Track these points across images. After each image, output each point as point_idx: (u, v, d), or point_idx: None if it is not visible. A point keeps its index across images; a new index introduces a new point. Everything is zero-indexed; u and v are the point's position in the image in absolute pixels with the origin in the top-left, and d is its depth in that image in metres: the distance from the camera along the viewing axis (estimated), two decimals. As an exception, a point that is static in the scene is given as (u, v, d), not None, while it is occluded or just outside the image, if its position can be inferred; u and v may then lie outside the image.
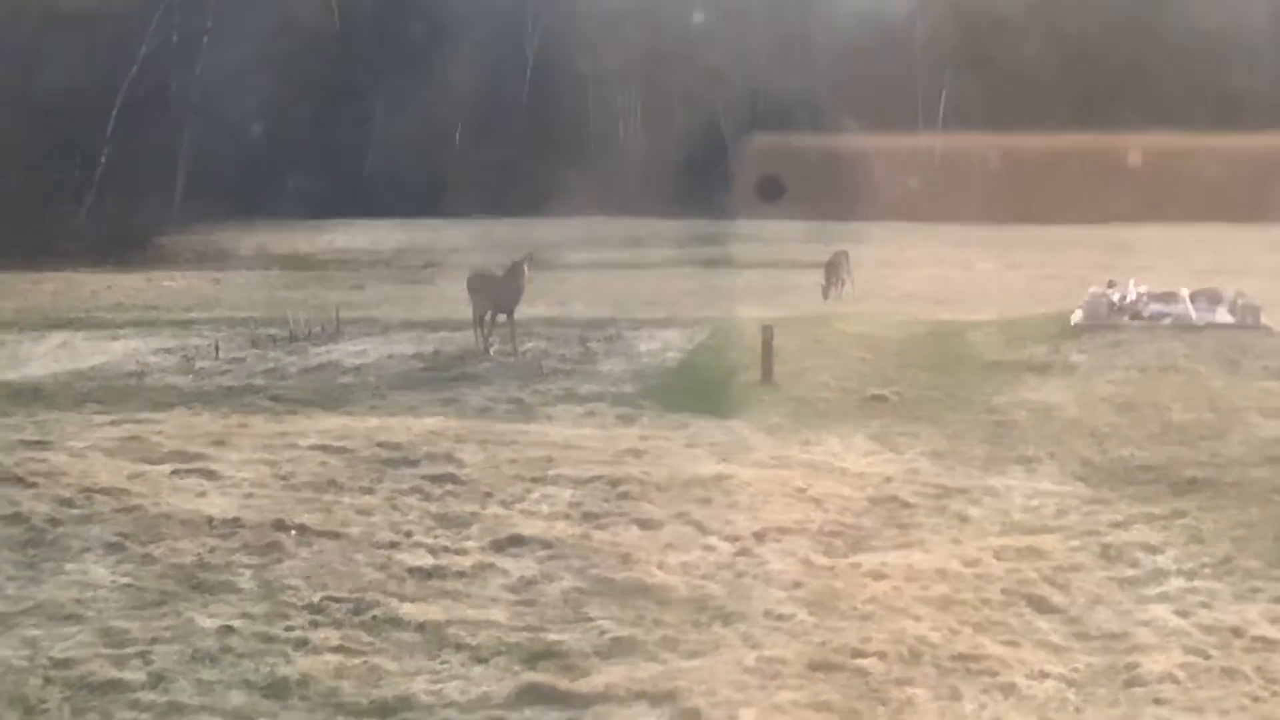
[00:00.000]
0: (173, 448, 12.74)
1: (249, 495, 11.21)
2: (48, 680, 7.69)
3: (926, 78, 57.69)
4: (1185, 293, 21.70)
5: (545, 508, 11.13)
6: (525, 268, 20.49)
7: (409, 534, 10.36)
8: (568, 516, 10.89)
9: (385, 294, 30.78)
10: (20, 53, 43.76)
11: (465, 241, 43.40)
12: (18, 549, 9.84)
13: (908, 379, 17.45)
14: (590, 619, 8.70)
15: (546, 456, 12.67)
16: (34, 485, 11.13)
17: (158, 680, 7.70)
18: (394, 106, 55.19)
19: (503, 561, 9.79)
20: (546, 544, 10.12)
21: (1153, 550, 10.24)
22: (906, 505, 11.47)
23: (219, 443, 13.06)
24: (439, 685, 7.70)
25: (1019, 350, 19.18)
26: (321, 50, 52.66)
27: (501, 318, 20.17)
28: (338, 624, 8.56)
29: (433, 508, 11.08)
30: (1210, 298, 21.46)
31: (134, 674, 7.77)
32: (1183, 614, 8.90)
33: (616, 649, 8.21)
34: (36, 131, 44.43)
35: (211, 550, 9.84)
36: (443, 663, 8.03)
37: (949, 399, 16.25)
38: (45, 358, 20.27)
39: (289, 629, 8.45)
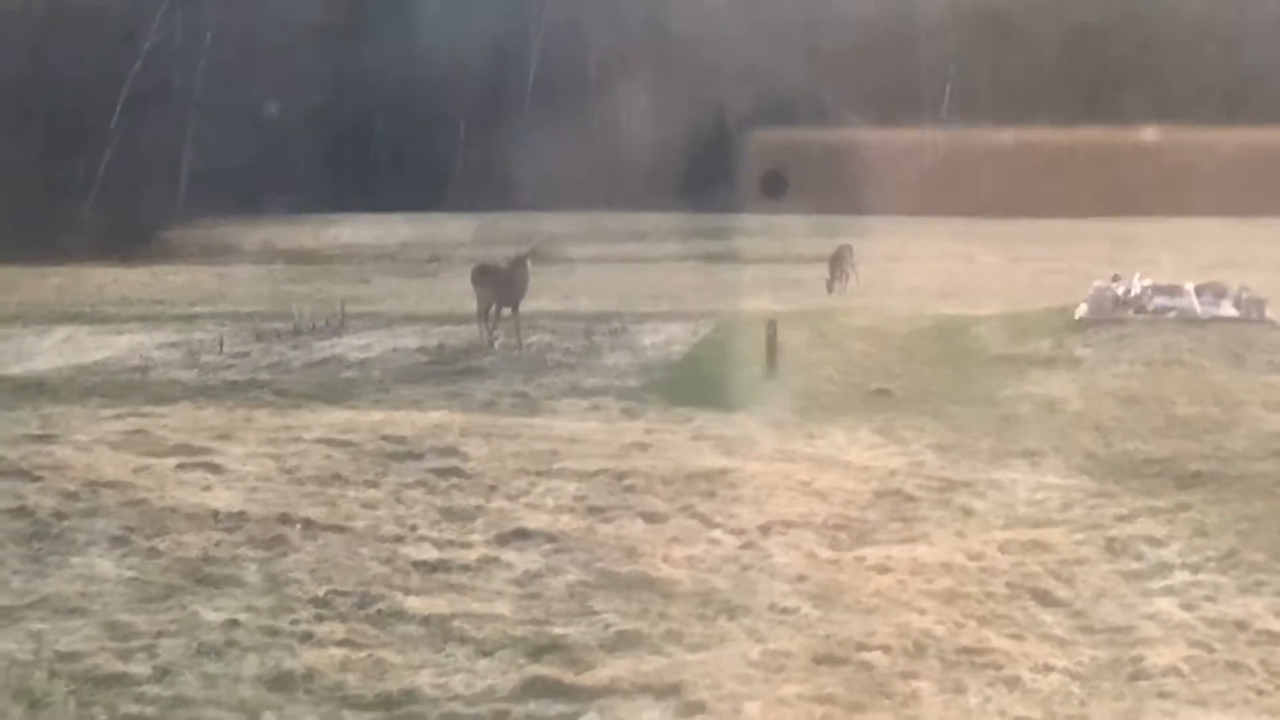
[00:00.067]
0: (178, 441, 12.75)
1: (254, 489, 11.22)
2: (53, 674, 7.70)
3: (930, 72, 57.62)
4: (1190, 286, 21.69)
5: (550, 501, 11.13)
6: (529, 262, 20.50)
7: (414, 527, 10.36)
8: (572, 510, 10.89)
9: (390, 288, 30.81)
10: (25, 47, 43.77)
11: (470, 235, 43.43)
12: (23, 542, 9.85)
13: (912, 373, 17.46)
14: (595, 612, 8.70)
15: (551, 450, 12.67)
16: (39, 479, 11.14)
17: (163, 674, 7.71)
18: (398, 100, 55.15)
19: (507, 555, 9.79)
20: (551, 537, 10.12)
21: (1157, 544, 10.24)
22: (911, 499, 11.47)
23: (224, 436, 13.07)
24: (444, 679, 7.70)
25: (1023, 344, 19.18)
26: (325, 44, 52.60)
27: (506, 311, 20.17)
28: (343, 618, 8.57)
29: (438, 501, 11.08)
30: (1215, 291, 21.45)
31: (139, 668, 7.78)
32: (1187, 607, 8.90)
33: (621, 642, 8.21)
34: (41, 126, 44.48)
35: (217, 544, 9.85)
36: (448, 656, 8.04)
37: (953, 393, 16.25)
38: (50, 352, 20.29)
39: (294, 623, 8.46)
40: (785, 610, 8.74)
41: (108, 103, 48.21)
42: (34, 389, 16.63)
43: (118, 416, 14.23)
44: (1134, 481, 12.12)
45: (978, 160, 51.80)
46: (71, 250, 39.75)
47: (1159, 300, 20.97)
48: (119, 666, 7.78)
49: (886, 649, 8.03)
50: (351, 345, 20.26)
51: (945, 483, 11.98)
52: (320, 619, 8.53)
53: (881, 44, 55.85)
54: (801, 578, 9.36)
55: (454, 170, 55.42)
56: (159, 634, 8.24)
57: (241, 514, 10.43)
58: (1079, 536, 10.41)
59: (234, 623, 8.38)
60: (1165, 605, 8.95)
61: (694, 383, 16.84)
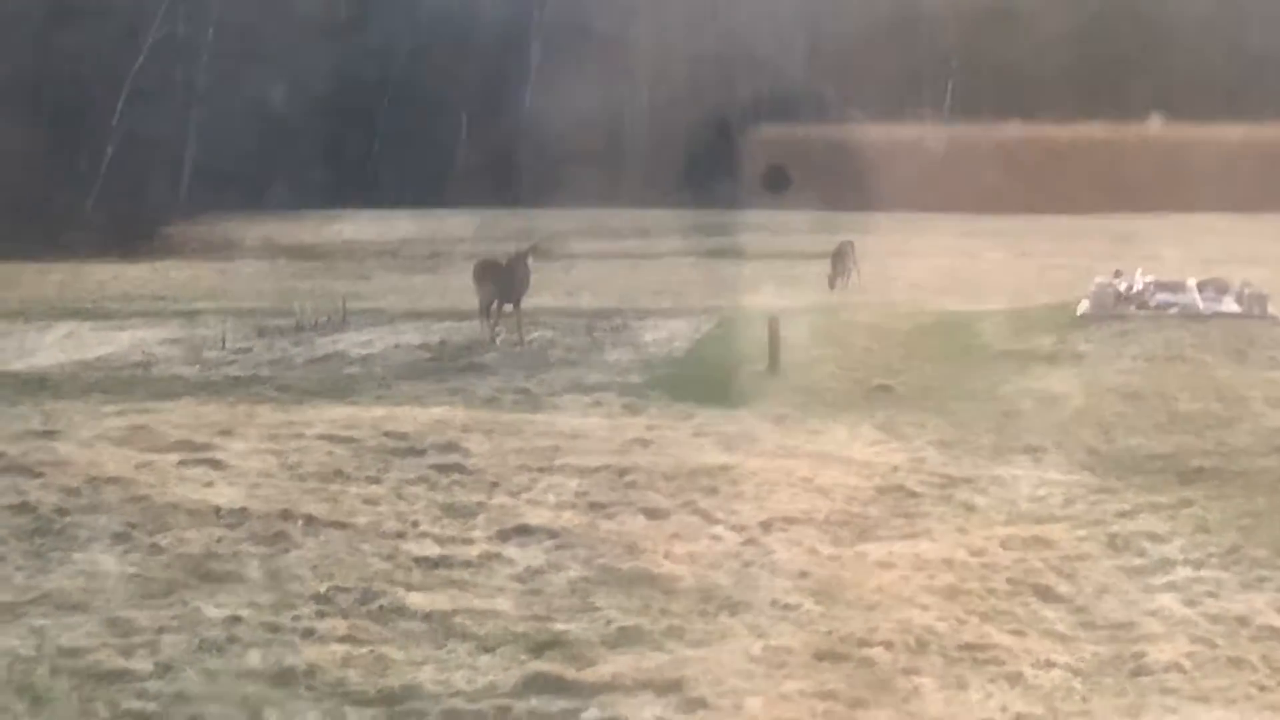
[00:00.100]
0: (179, 437, 12.76)
1: (256, 485, 11.23)
2: (55, 670, 7.71)
3: (933, 67, 57.57)
4: (1192, 282, 21.68)
5: (552, 497, 11.14)
6: (530, 258, 20.50)
7: (415, 524, 10.37)
8: (574, 506, 10.90)
9: (392, 284, 30.79)
10: (27, 42, 43.75)
11: (471, 232, 43.39)
12: (25, 538, 9.86)
13: (914, 369, 17.45)
14: (597, 608, 8.71)
15: (553, 446, 12.68)
16: (41, 475, 11.15)
17: (165, 670, 7.71)
18: (400, 96, 55.14)
19: (509, 551, 9.80)
20: (553, 533, 10.13)
21: (1159, 539, 10.24)
22: (913, 495, 11.47)
23: (226, 433, 13.08)
24: (446, 674, 7.70)
25: (1025, 340, 19.16)
26: (327, 39, 52.57)
27: (508, 307, 20.17)
28: (344, 614, 8.58)
29: (439, 497, 11.09)
30: (1217, 287, 21.44)
31: (141, 663, 7.78)
32: (1189, 603, 8.90)
33: (623, 638, 8.22)
34: (43, 121, 44.46)
35: (218, 540, 9.86)
36: (449, 652, 8.04)
37: (955, 389, 16.24)
38: (52, 348, 20.29)
39: (296, 619, 8.47)
40: (787, 606, 8.74)
41: (110, 98, 48.17)
42: (36, 385, 16.64)
43: (119, 412, 14.24)
44: (1136, 477, 12.12)
45: (981, 156, 51.73)
46: (73, 246, 39.70)
47: (1161, 296, 20.96)
48: (121, 662, 7.78)
49: (888, 645, 8.03)
50: (353, 341, 20.26)
51: (947, 479, 11.98)
52: (322, 615, 8.54)
53: (884, 39, 55.76)
54: (803, 574, 9.36)
55: (456, 166, 55.37)
56: (161, 630, 8.25)
57: (243, 510, 10.44)
58: (1081, 532, 10.41)
59: (236, 619, 8.39)
60: (1167, 601, 8.94)
61: (696, 379, 16.84)
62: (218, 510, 10.44)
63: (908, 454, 12.94)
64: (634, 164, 55.56)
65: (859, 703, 7.38)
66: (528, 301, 20.45)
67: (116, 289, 30.65)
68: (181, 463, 11.79)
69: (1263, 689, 7.63)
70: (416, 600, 8.74)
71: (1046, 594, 9.08)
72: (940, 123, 56.13)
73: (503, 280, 20.20)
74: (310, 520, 10.25)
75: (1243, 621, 8.55)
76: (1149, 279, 21.82)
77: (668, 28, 57.39)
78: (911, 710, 7.33)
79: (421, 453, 12.37)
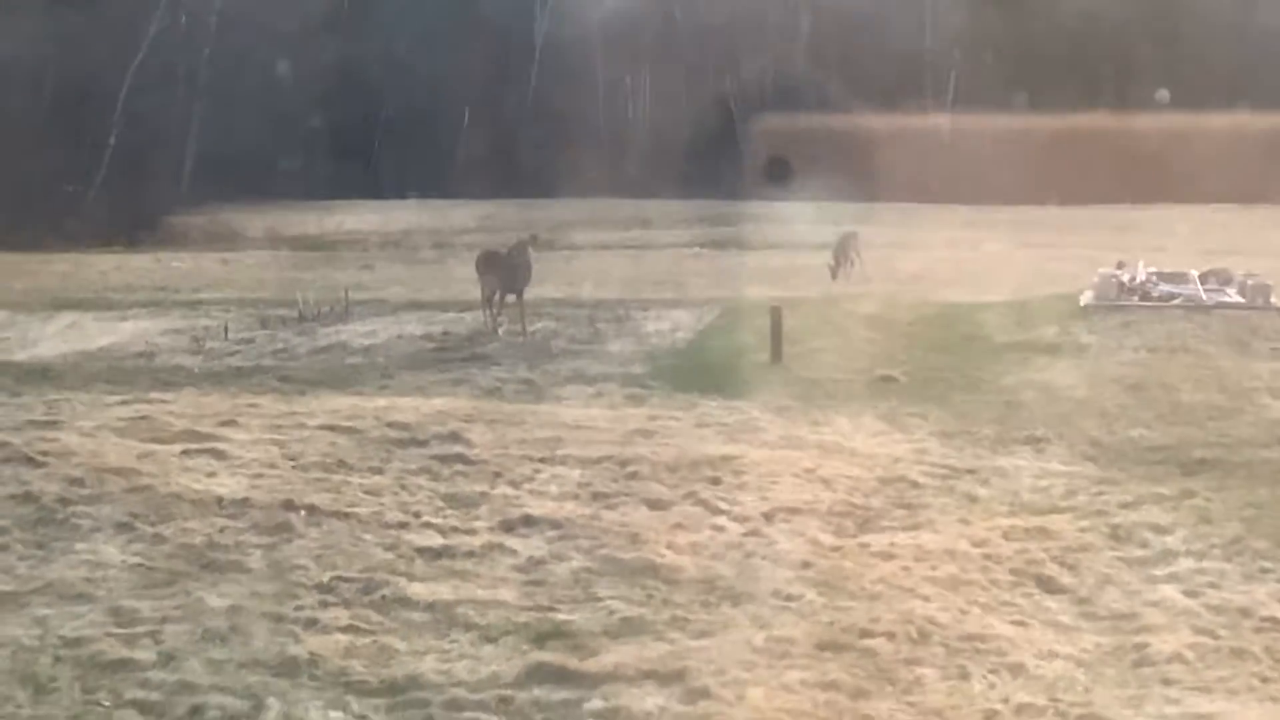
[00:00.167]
0: (182, 428, 12.77)
1: (258, 475, 11.24)
2: (58, 659, 7.73)
3: (936, 58, 57.51)
4: (1195, 273, 21.67)
5: (554, 488, 11.15)
6: (530, 248, 20.48)
7: (418, 514, 10.38)
8: (577, 497, 10.91)
9: (394, 275, 30.75)
10: (29, 33, 43.70)
11: (474, 222, 43.38)
12: (28, 528, 9.88)
13: (917, 360, 17.43)
14: (599, 599, 8.72)
15: (555, 436, 12.69)
16: (44, 465, 11.17)
17: (168, 659, 7.73)
18: (403, 87, 55.10)
19: (512, 541, 9.81)
20: (555, 524, 10.14)
21: (1162, 531, 10.24)
22: (915, 485, 11.47)
23: (228, 423, 13.09)
24: (448, 665, 7.72)
25: (1028, 331, 19.17)
26: (330, 30, 52.55)
27: (511, 298, 20.16)
28: (347, 603, 8.59)
29: (442, 488, 11.10)
30: (1220, 278, 21.44)
31: (144, 653, 7.80)
32: (1191, 594, 8.91)
33: (625, 629, 8.23)
34: (45, 112, 44.44)
35: (221, 530, 9.87)
36: (452, 642, 8.05)
37: (958, 379, 16.24)
38: (54, 338, 20.29)
39: (298, 608, 8.49)
40: (789, 597, 8.75)
41: (113, 89, 48.14)
42: (39, 375, 16.63)
43: (123, 403, 14.25)
44: (1138, 468, 12.12)
45: (983, 147, 51.67)
46: (76, 237, 39.72)
47: (1164, 287, 20.96)
48: (124, 652, 7.80)
49: (890, 636, 8.04)
50: (356, 332, 20.26)
51: (949, 470, 11.98)
52: (325, 605, 8.56)
53: (887, 30, 55.71)
54: (805, 564, 9.37)
55: (458, 157, 55.36)
56: (164, 620, 8.27)
57: (246, 500, 10.45)
58: (1083, 523, 10.41)
59: (238, 609, 8.41)
60: (1169, 592, 8.95)
61: (698, 369, 16.83)
62: (220, 500, 10.45)
63: (910, 445, 12.94)
64: (637, 154, 55.55)
65: (861, 693, 7.39)
66: (530, 292, 20.43)
67: (119, 279, 30.63)
68: (184, 453, 11.80)
69: (1265, 680, 7.64)
70: (419, 590, 8.75)
71: (1049, 585, 9.09)
72: (943, 113, 56.07)
73: (505, 271, 20.18)
74: (313, 510, 10.27)
75: (1245, 613, 8.55)
76: (1152, 270, 21.82)
77: (670, 19, 57.34)
78: (913, 701, 7.33)
79: (424, 443, 12.38)
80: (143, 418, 13.25)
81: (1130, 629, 8.33)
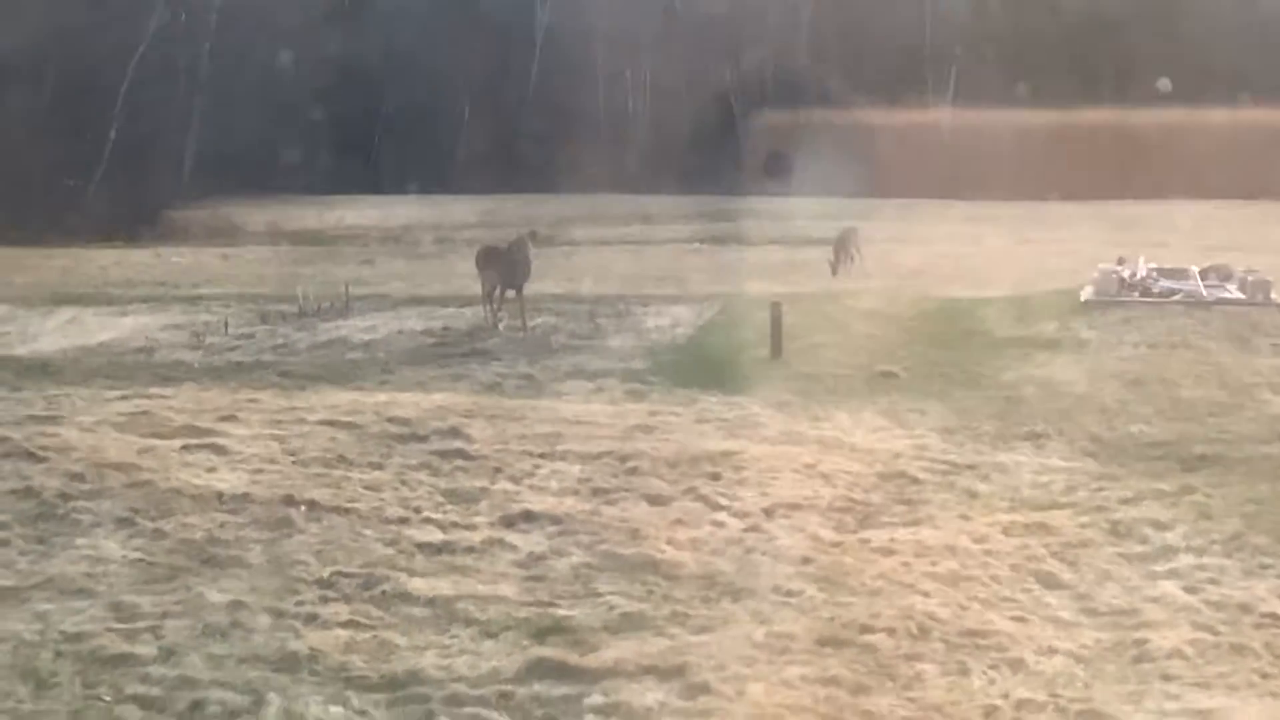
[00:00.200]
0: (182, 423, 12.78)
1: (258, 471, 11.25)
2: (59, 654, 7.73)
3: (937, 53, 57.48)
4: (1195, 269, 21.67)
5: (554, 483, 11.15)
6: (529, 244, 20.47)
7: (418, 509, 10.38)
8: (577, 492, 10.91)
9: (394, 270, 30.75)
10: (31, 27, 43.67)
11: (474, 217, 43.36)
12: (29, 523, 9.88)
13: (917, 355, 17.43)
14: (599, 594, 8.72)
15: (556, 432, 12.69)
16: (44, 460, 11.17)
17: (168, 654, 7.74)
18: (403, 82, 55.09)
19: (512, 537, 9.82)
20: (556, 519, 10.14)
21: (1162, 526, 10.24)
22: (915, 481, 11.47)
23: (229, 418, 13.09)
24: (448, 660, 7.72)
25: (1028, 326, 19.17)
26: (331, 25, 52.53)
27: (511, 294, 20.16)
28: (347, 599, 8.60)
29: (442, 483, 11.10)
30: (1220, 274, 21.45)
31: (145, 648, 7.81)
32: (1191, 590, 8.91)
33: (625, 624, 8.23)
34: (46, 106, 44.42)
35: (221, 525, 9.88)
36: (452, 637, 8.06)
37: (958, 375, 16.24)
38: (54, 333, 20.29)
39: (299, 604, 8.49)
40: (789, 593, 8.76)
41: (113, 83, 48.13)
42: (39, 370, 16.64)
43: (123, 398, 14.25)
44: (1139, 464, 12.12)
45: (984, 142, 51.67)
46: (76, 231, 39.69)
47: (1164, 283, 20.96)
48: (124, 647, 7.80)
49: (890, 631, 8.05)
50: (356, 327, 20.26)
51: (950, 465, 11.99)
52: (325, 600, 8.56)
53: (887, 25, 55.70)
54: (806, 560, 9.37)
55: (458, 152, 55.35)
56: (164, 615, 8.27)
57: (246, 496, 10.46)
58: (1083, 519, 10.41)
59: (239, 604, 8.41)
60: (1169, 588, 8.95)
61: (698, 365, 16.83)
62: (221, 496, 10.46)
63: (910, 440, 12.94)
64: (637, 150, 55.53)
65: (861, 689, 7.39)
66: (530, 287, 20.43)
67: (119, 274, 30.63)
68: (184, 448, 11.81)
69: (1265, 676, 7.64)
70: (419, 586, 8.75)
71: (1049, 581, 9.09)
72: (944, 109, 56.04)
73: (505, 266, 20.18)
74: (313, 506, 10.27)
75: (1245, 608, 8.55)
76: (1152, 266, 21.81)
77: (671, 14, 57.30)
78: (914, 696, 7.34)
79: (424, 438, 12.39)
80: (143, 413, 13.26)
81: (1130, 625, 8.33)
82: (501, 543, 9.68)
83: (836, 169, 42.75)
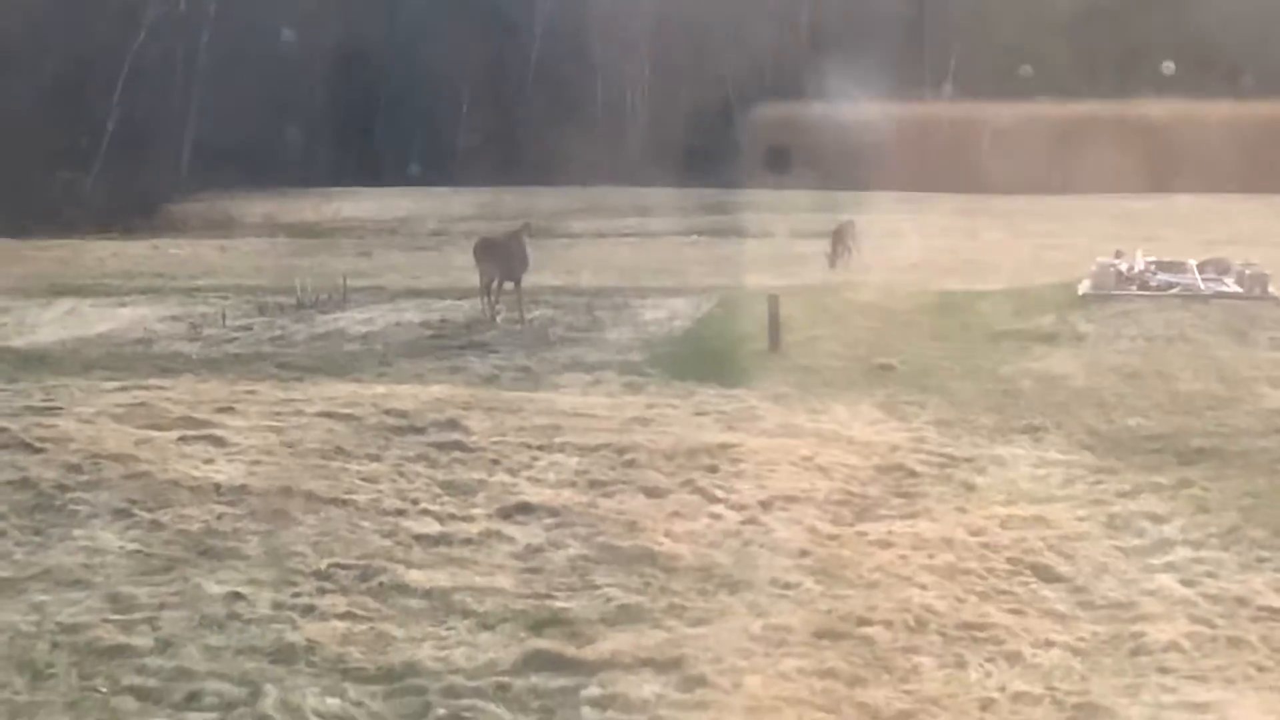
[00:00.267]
0: (180, 414, 12.77)
1: (256, 462, 11.24)
2: (55, 645, 7.74)
3: (934, 47, 57.44)
4: (1193, 263, 21.65)
5: (552, 475, 11.15)
6: (525, 236, 20.46)
7: (416, 501, 10.39)
8: (574, 484, 10.91)
9: (392, 262, 30.73)
10: (28, 20, 43.63)
11: (472, 210, 43.34)
12: (26, 514, 9.88)
13: (914, 348, 17.43)
14: (597, 586, 8.73)
15: (553, 424, 12.69)
16: (42, 451, 11.17)
17: (165, 646, 7.74)
18: (402, 74, 55.03)
19: (509, 529, 9.82)
20: (553, 511, 10.15)
21: (1159, 520, 10.25)
22: (913, 474, 11.48)
23: (226, 410, 13.09)
24: (445, 652, 7.72)
25: (1026, 320, 19.16)
26: (329, 17, 52.47)
27: (509, 286, 20.15)
28: (345, 590, 8.60)
29: (439, 475, 11.10)
30: (1218, 267, 21.42)
31: (141, 639, 7.81)
32: (1188, 583, 8.91)
33: (623, 616, 8.24)
34: (43, 98, 44.35)
35: (219, 517, 9.88)
36: (449, 629, 8.06)
37: (956, 368, 16.24)
38: (53, 325, 20.29)
39: (296, 595, 8.49)
40: (786, 585, 8.76)
41: (111, 75, 48.08)
42: (36, 361, 16.63)
43: (120, 389, 14.25)
44: (1136, 457, 12.12)
45: (982, 135, 51.65)
46: (74, 223, 39.65)
47: (1162, 276, 20.95)
48: (121, 638, 7.81)
49: (887, 624, 8.05)
50: (354, 319, 20.26)
51: (947, 458, 11.99)
52: (322, 592, 8.57)
53: (885, 18, 55.65)
54: (803, 553, 9.38)
55: (457, 144, 55.32)
56: (161, 606, 8.27)
57: (244, 487, 10.46)
58: (1081, 512, 10.42)
59: (236, 595, 8.42)
60: (1166, 581, 8.95)
61: (696, 358, 16.83)
62: (218, 487, 10.46)
63: (908, 433, 12.94)
64: (635, 142, 55.50)
65: (858, 681, 7.39)
66: (528, 280, 20.43)
67: (117, 266, 30.61)
68: (182, 439, 11.80)
69: (1261, 669, 7.65)
70: (416, 577, 8.76)
71: (1046, 574, 9.09)
72: (942, 102, 56.00)
73: (503, 258, 20.19)
74: (310, 497, 10.27)
75: (1242, 602, 8.56)
76: (1150, 259, 21.80)
77: (669, 7, 57.24)
78: (910, 689, 7.34)
79: (422, 430, 12.39)
80: (140, 404, 13.25)
81: (1127, 618, 8.34)
82: (499, 535, 9.68)
83: (834, 162, 42.76)
